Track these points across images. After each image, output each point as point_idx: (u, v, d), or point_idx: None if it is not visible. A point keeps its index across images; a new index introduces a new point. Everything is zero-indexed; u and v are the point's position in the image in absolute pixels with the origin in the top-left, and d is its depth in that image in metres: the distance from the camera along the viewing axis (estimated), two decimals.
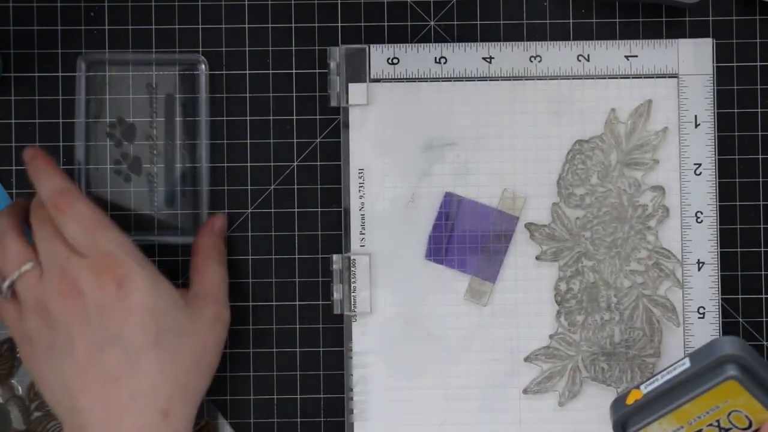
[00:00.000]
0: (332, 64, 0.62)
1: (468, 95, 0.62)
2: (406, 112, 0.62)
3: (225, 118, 0.62)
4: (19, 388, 0.61)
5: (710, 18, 0.63)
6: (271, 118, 0.63)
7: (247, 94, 0.63)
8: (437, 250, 0.61)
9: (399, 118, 0.62)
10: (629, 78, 0.62)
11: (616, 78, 0.62)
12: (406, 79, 0.62)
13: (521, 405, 0.61)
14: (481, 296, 0.61)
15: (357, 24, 0.63)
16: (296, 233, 0.62)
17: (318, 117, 0.63)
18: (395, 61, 0.62)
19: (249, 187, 0.62)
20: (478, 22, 0.63)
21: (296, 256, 0.62)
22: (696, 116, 0.61)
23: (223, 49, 0.63)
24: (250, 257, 0.62)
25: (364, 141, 0.62)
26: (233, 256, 0.62)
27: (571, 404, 0.61)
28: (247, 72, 0.63)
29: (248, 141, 0.63)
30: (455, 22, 0.63)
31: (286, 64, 0.63)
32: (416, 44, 0.62)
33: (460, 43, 0.62)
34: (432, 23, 0.63)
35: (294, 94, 0.63)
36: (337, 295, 0.62)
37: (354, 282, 0.61)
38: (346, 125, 0.62)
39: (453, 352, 0.61)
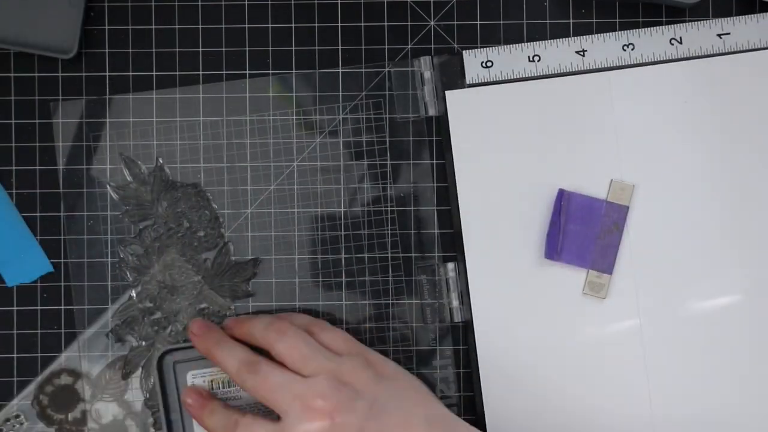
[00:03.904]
0: (426, 74, 0.62)
1: (563, 90, 0.61)
2: (504, 113, 0.61)
3: (224, 118, 0.62)
4: (136, 404, 0.63)
5: (710, 18, 0.63)
6: (270, 117, 0.63)
7: (247, 94, 0.62)
8: (554, 247, 0.61)
9: (498, 119, 0.61)
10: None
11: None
12: (502, 80, 0.62)
13: (650, 386, 0.61)
14: (599, 289, 0.61)
15: (357, 24, 0.63)
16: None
17: (322, 117, 0.63)
18: (489, 64, 0.62)
19: (249, 187, 0.62)
20: (478, 23, 0.63)
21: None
22: None
23: (223, 49, 0.63)
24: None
25: (467, 146, 0.61)
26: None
27: None
28: (247, 72, 0.63)
29: (248, 141, 0.63)
30: (455, 22, 0.63)
31: (286, 65, 0.63)
32: (508, 45, 0.62)
33: (552, 40, 0.62)
34: (432, 23, 0.63)
35: (294, 94, 0.62)
36: (455, 303, 0.62)
37: (469, 287, 0.61)
38: (447, 131, 0.62)
39: (576, 347, 0.61)
